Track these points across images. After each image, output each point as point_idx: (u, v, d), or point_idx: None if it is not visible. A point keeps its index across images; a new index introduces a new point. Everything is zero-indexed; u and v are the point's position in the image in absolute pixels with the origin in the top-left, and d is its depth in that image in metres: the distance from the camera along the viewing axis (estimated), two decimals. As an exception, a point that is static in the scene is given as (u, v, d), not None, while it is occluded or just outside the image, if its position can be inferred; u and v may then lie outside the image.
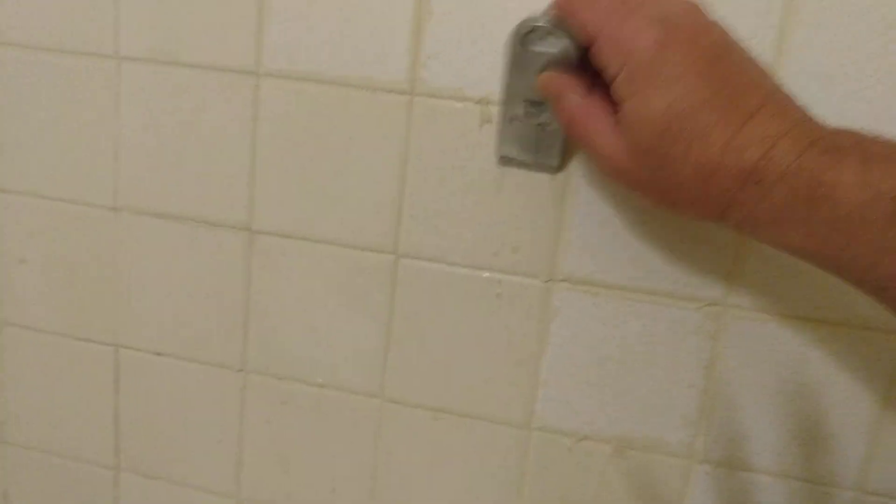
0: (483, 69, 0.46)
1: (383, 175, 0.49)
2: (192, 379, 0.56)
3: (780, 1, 0.41)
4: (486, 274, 0.49)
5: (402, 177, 0.49)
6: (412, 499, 0.54)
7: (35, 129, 0.55)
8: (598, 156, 0.38)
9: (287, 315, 0.53)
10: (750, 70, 0.35)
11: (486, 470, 0.53)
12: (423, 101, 0.47)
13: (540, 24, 0.41)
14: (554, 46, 0.40)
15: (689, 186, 0.35)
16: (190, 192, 0.53)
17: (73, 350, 0.59)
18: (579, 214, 0.47)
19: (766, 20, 0.42)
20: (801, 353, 0.46)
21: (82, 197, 0.55)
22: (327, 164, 0.50)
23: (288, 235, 0.52)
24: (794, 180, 0.31)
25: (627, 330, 0.48)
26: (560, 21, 0.40)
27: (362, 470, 0.55)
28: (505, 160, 0.47)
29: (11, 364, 0.61)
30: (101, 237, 0.55)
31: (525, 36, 0.42)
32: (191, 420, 0.57)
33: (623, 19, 0.35)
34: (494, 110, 0.46)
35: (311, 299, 0.52)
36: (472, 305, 0.50)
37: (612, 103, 0.37)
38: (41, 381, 0.60)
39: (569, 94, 0.39)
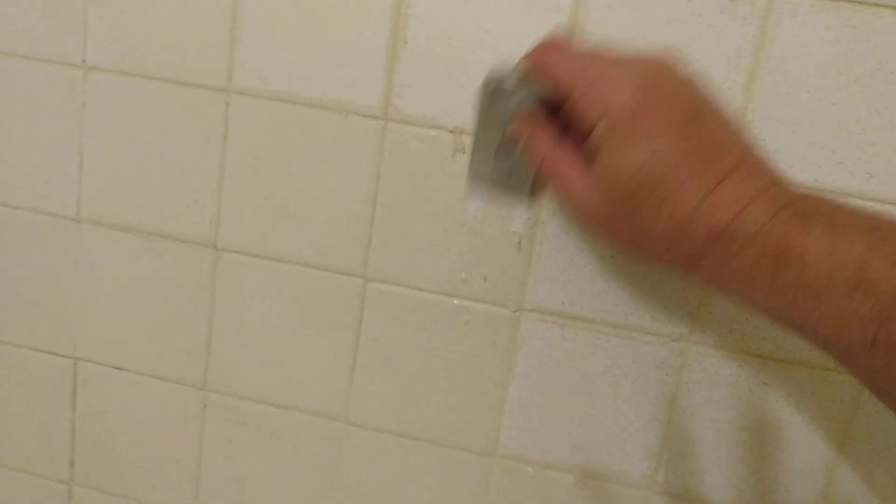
0: (457, 99, 0.47)
1: (354, 198, 0.50)
2: (152, 395, 0.56)
3: (750, 47, 0.43)
4: (455, 301, 0.50)
5: (373, 201, 0.50)
6: (373, 522, 0.55)
7: (-4, 135, 0.54)
8: (570, 201, 0.39)
9: (251, 334, 0.53)
10: (725, 129, 0.36)
11: (448, 496, 0.53)
12: (397, 127, 0.48)
13: (508, 81, 0.42)
14: (524, 97, 0.42)
15: (659, 240, 0.36)
16: (155, 206, 0.53)
17: (31, 361, 0.58)
18: (549, 246, 0.48)
19: (736, 65, 0.43)
20: (761, 391, 0.47)
21: (44, 206, 0.55)
22: (298, 184, 0.50)
23: (255, 254, 0.52)
24: (762, 243, 0.33)
25: (593, 362, 0.49)
26: (532, 74, 0.41)
27: (322, 493, 0.55)
28: (474, 191, 0.48)
29: (-36, 373, 0.60)
30: (62, 248, 0.55)
31: (494, 88, 0.43)
32: (149, 437, 0.57)
33: (599, 74, 0.36)
34: (467, 140, 0.47)
35: (277, 319, 0.53)
36: (440, 332, 0.51)
37: (583, 152, 0.38)
38: (-5, 391, 0.60)
39: (541, 141, 0.40)
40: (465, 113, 0.47)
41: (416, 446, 0.53)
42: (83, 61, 0.51)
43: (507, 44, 0.45)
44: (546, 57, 0.40)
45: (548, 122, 0.41)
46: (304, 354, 0.53)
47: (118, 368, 0.57)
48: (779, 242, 0.32)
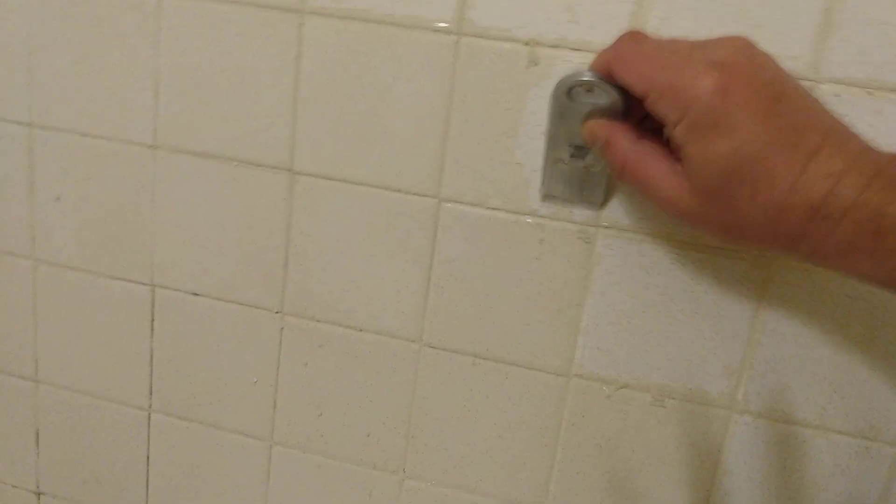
0: (531, 10, 0.49)
1: (427, 117, 0.53)
2: (229, 320, 0.61)
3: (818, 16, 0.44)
4: (530, 219, 0.53)
5: (447, 119, 0.52)
6: (447, 444, 0.59)
7: (73, 65, 0.58)
8: (658, 199, 0.41)
9: (327, 257, 0.57)
10: (807, 105, 0.38)
11: (522, 416, 0.57)
12: (470, 41, 0.51)
13: (585, 79, 0.45)
14: (599, 98, 0.44)
15: (756, 225, 0.38)
16: (230, 131, 0.56)
17: (109, 289, 0.63)
18: (627, 160, 0.50)
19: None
20: (848, 306, 0.49)
21: (120, 134, 0.59)
22: (371, 104, 0.53)
23: (329, 177, 0.56)
24: (859, 214, 0.35)
25: (671, 278, 0.51)
26: (608, 75, 0.43)
27: (399, 415, 0.60)
28: (548, 198, 0.51)
29: (45, 303, 0.66)
30: (138, 175, 0.60)
31: (570, 89, 0.46)
32: (226, 361, 0.62)
33: (678, 69, 0.38)
34: (542, 52, 0.50)
35: (352, 242, 0.56)
36: (514, 251, 0.54)
37: (665, 148, 0.40)
38: (75, 320, 0.65)
39: (620, 140, 0.43)
40: (538, 24, 0.49)
41: (490, 367, 0.57)
42: (158, -14, 0.55)
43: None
44: (621, 55, 0.42)
45: (625, 122, 0.43)
46: (379, 277, 0.57)
47: (195, 294, 0.61)
48: (875, 212, 0.34)
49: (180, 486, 0.67)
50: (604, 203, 0.51)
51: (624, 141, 0.43)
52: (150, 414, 0.66)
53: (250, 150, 0.56)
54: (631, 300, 0.53)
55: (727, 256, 0.50)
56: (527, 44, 0.50)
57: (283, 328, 0.60)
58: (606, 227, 0.52)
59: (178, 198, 0.59)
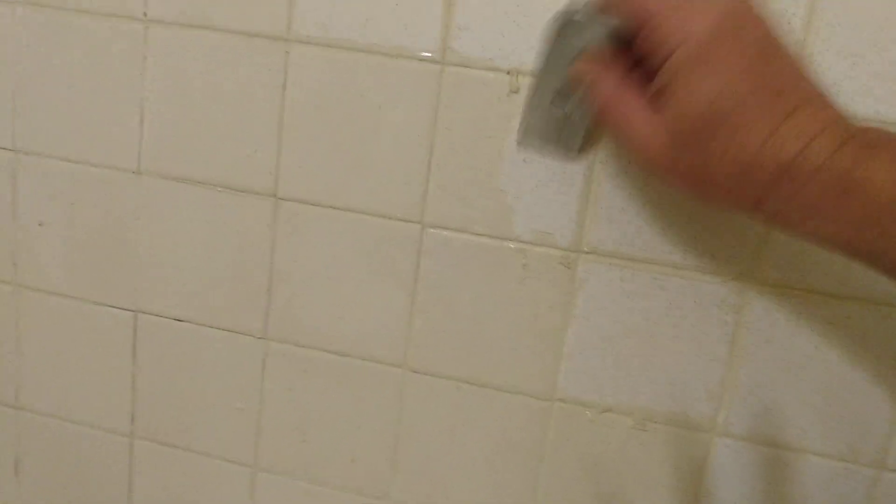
0: (514, 41, 0.50)
1: (412, 144, 0.54)
2: (213, 345, 0.61)
3: (813, -22, 0.46)
4: (513, 245, 0.54)
5: (431, 146, 0.53)
6: (433, 469, 0.59)
7: (58, 90, 0.59)
8: (632, 142, 0.42)
9: (311, 283, 0.58)
10: (793, 67, 0.39)
11: (506, 440, 0.58)
12: (454, 70, 0.52)
13: (578, 18, 0.45)
14: (591, 36, 0.45)
15: (724, 178, 0.39)
16: (215, 157, 0.57)
17: (92, 315, 0.64)
18: (607, 186, 0.51)
19: (798, -2, 0.46)
20: (825, 329, 0.51)
21: (105, 160, 0.60)
22: (356, 131, 0.54)
23: (314, 203, 0.56)
24: (827, 176, 0.36)
25: (653, 302, 0.53)
26: (606, 5, 0.44)
27: (383, 440, 0.60)
28: (524, 144, 0.52)
29: (28, 328, 0.66)
30: (123, 201, 0.60)
31: (562, 26, 0.46)
32: (210, 387, 0.62)
33: (677, 4, 0.39)
34: (524, 80, 0.51)
35: (336, 267, 0.57)
36: (498, 276, 0.55)
37: (647, 99, 0.41)
38: (58, 345, 0.65)
39: (605, 81, 0.44)
40: (521, 54, 0.50)
41: (475, 391, 0.57)
42: (144, 14, 0.56)
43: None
44: None
45: (615, 61, 0.44)
46: (364, 302, 0.57)
47: (179, 320, 0.62)
48: (844, 173, 0.35)
49: (163, 513, 0.67)
50: (579, 152, 0.51)
51: (609, 81, 0.43)
52: (132, 441, 0.66)
53: (235, 176, 0.57)
54: (613, 324, 0.53)
55: (706, 282, 0.51)
56: (508, 73, 0.51)
57: (266, 354, 0.60)
58: (587, 253, 0.53)
59: (163, 223, 0.60)
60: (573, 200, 0.52)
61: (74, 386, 0.66)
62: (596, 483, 0.56)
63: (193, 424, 0.64)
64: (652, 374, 0.54)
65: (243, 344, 0.60)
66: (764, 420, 0.53)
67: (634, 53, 0.42)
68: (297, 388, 0.60)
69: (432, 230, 0.55)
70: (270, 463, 0.63)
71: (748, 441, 0.53)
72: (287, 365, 0.60)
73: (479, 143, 0.53)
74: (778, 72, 0.38)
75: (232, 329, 0.60)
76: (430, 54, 0.52)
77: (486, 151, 0.53)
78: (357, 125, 0.54)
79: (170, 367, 0.63)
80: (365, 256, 0.56)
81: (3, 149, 0.62)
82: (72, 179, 0.61)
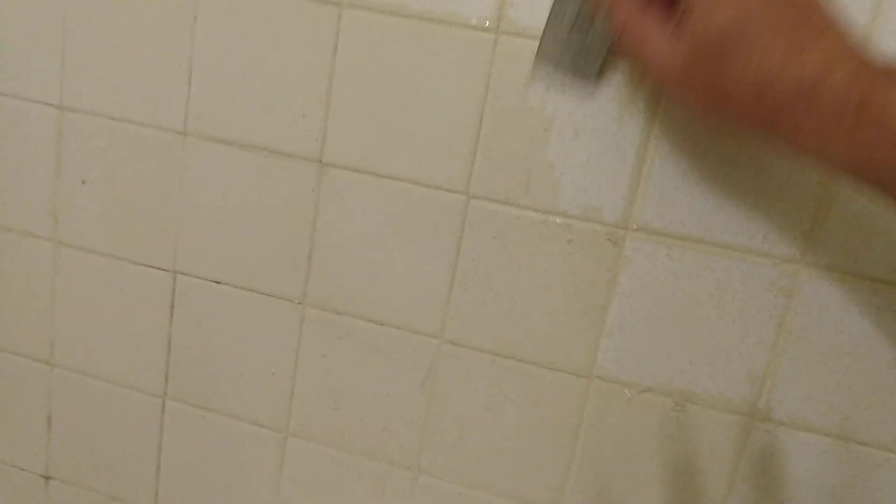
0: (572, 10, 0.50)
1: (461, 113, 0.54)
2: (250, 309, 0.62)
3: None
4: (559, 220, 0.54)
5: (480, 116, 0.53)
6: (465, 441, 0.60)
7: (106, 48, 0.59)
8: (651, 59, 0.42)
9: (352, 250, 0.58)
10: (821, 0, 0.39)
11: (541, 417, 0.58)
12: (509, 40, 0.51)
13: None
14: None
15: (744, 92, 0.39)
16: (262, 120, 0.57)
17: (130, 274, 0.64)
18: (659, 163, 0.51)
19: (868, -25, 0.45)
20: (874, 316, 0.50)
21: (150, 119, 0.60)
22: (405, 99, 0.54)
23: (359, 170, 0.56)
24: (847, 95, 0.36)
25: (699, 283, 0.52)
26: None
27: (415, 410, 0.60)
28: (542, 68, 0.51)
29: (65, 285, 0.66)
30: (166, 161, 0.60)
31: None
32: (245, 351, 0.63)
33: None
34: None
35: (378, 235, 0.57)
36: (542, 250, 0.55)
37: (668, 11, 0.41)
38: (94, 303, 0.66)
39: (625, 3, 0.44)
40: (580, 24, 0.50)
41: (511, 366, 0.57)
42: (197, -28, 0.56)
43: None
44: None
45: None
46: (404, 271, 0.57)
47: (217, 282, 0.62)
48: (862, 95, 0.35)
49: (191, 475, 0.68)
50: (597, 80, 0.51)
51: (629, 1, 0.44)
52: (164, 401, 0.66)
53: (281, 140, 0.57)
54: (657, 304, 0.53)
55: (756, 264, 0.51)
56: (565, 44, 0.51)
57: (303, 319, 0.61)
58: (636, 230, 0.52)
59: (206, 185, 0.60)
60: (624, 176, 0.52)
61: (109, 344, 0.67)
62: (631, 464, 0.56)
63: (226, 387, 0.64)
64: (694, 355, 0.54)
65: (281, 309, 0.61)
66: (806, 406, 0.53)
67: None
68: (333, 355, 0.61)
69: (477, 201, 0.55)
70: (301, 429, 0.63)
71: (788, 426, 0.53)
72: (324, 331, 0.60)
73: (530, 115, 0.52)
74: (801, 1, 0.39)
75: (270, 293, 0.61)
76: (485, 22, 0.51)
77: (535, 123, 0.52)
78: (406, 92, 0.54)
79: (206, 329, 0.63)
80: (407, 226, 0.56)
81: (49, 105, 0.62)
82: (116, 138, 0.61)
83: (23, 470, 0.73)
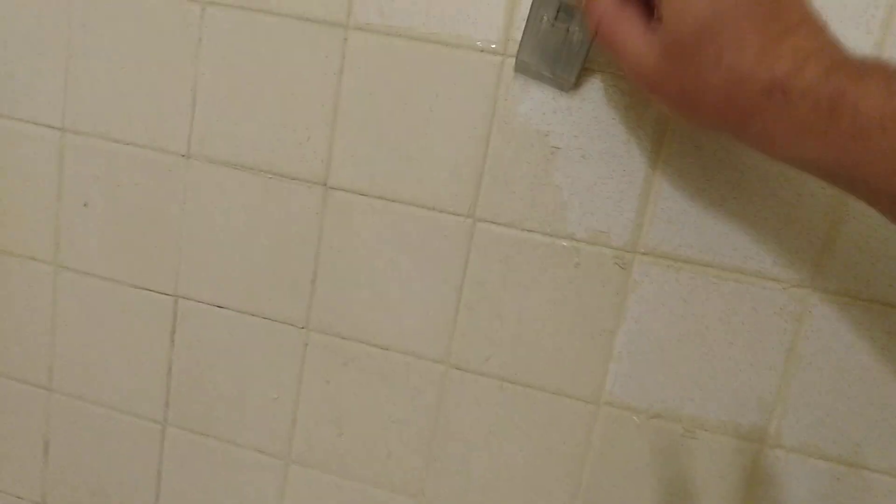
0: (580, 33, 0.50)
1: (467, 136, 0.54)
2: (253, 333, 0.61)
3: (892, -20, 0.45)
4: (566, 243, 0.54)
5: (486, 139, 0.53)
6: (470, 469, 0.59)
7: (109, 69, 0.59)
8: (626, 58, 0.42)
9: (356, 274, 0.58)
10: None
11: (549, 444, 0.57)
12: (514, 63, 0.52)
13: None
14: None
15: (715, 92, 0.39)
16: (267, 143, 0.57)
17: (131, 298, 0.64)
18: (667, 186, 0.51)
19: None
20: (885, 341, 0.50)
21: (154, 142, 0.60)
22: (410, 121, 0.54)
23: (364, 193, 0.56)
24: (819, 93, 0.36)
25: (709, 307, 0.52)
26: None
27: (420, 437, 0.60)
28: (522, 66, 0.51)
29: (65, 309, 0.66)
30: (170, 184, 0.60)
31: None
32: (247, 376, 0.62)
33: None
34: (588, 77, 0.51)
35: (383, 259, 0.57)
36: (549, 274, 0.54)
37: (645, 17, 0.42)
38: (94, 328, 0.65)
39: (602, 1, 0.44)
40: (588, 47, 0.50)
41: (518, 391, 0.57)
42: (203, -5, 0.56)
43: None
44: None
45: None
46: (409, 295, 0.57)
47: (219, 306, 0.62)
48: (834, 92, 0.35)
49: (191, 503, 0.67)
50: (575, 85, 0.51)
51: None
52: (164, 427, 0.66)
53: (285, 163, 0.57)
54: (666, 328, 0.53)
55: (765, 288, 0.51)
56: (572, 67, 0.51)
57: (307, 344, 0.60)
58: (644, 254, 0.52)
59: (209, 208, 0.60)
60: (632, 199, 0.51)
61: (109, 369, 0.66)
62: (640, 491, 0.56)
63: (227, 413, 0.64)
64: (703, 380, 0.53)
65: (284, 333, 0.60)
66: (817, 432, 0.52)
67: None
68: (336, 380, 0.60)
69: (483, 224, 0.55)
70: (304, 456, 0.62)
71: (800, 453, 0.53)
72: (327, 356, 0.60)
73: (537, 138, 0.52)
74: None
75: (273, 318, 0.60)
76: (492, 45, 0.51)
77: (543, 146, 0.52)
78: (412, 115, 0.54)
79: (207, 354, 0.63)
80: (413, 249, 0.56)
81: (51, 127, 0.62)
82: (119, 160, 0.61)
83: (18, 498, 0.72)
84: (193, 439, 0.65)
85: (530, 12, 0.50)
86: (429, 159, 0.55)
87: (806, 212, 0.49)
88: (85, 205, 0.63)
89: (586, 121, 0.51)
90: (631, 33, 0.42)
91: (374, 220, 0.57)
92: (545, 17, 0.49)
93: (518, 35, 0.51)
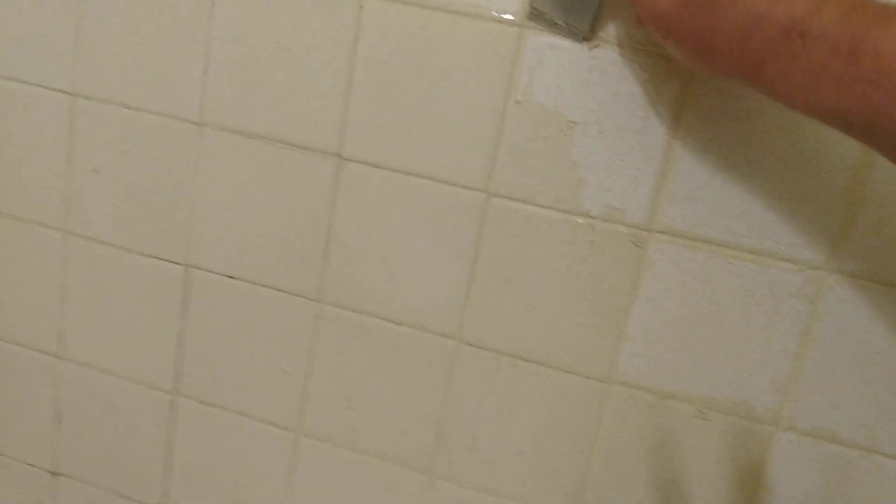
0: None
1: (483, 110, 0.53)
2: (264, 305, 0.61)
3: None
4: (581, 220, 0.53)
5: (502, 112, 0.53)
6: (479, 445, 0.59)
7: (122, 35, 0.59)
8: (641, 4, 0.42)
9: (369, 247, 0.58)
10: None
11: (559, 422, 0.57)
12: (534, 34, 0.51)
13: None
14: None
15: (730, 33, 0.38)
16: (279, 112, 0.57)
17: (142, 267, 0.64)
18: (685, 164, 0.50)
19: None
20: (904, 325, 0.50)
21: (166, 109, 0.60)
22: (426, 93, 0.54)
23: (378, 165, 0.56)
24: (836, 37, 0.35)
25: (724, 287, 0.52)
26: None
27: (431, 412, 0.60)
28: (535, 14, 0.51)
29: (75, 277, 0.66)
30: (181, 152, 0.60)
31: None
32: (258, 348, 0.62)
33: None
34: (607, 47, 0.50)
35: (396, 233, 0.57)
36: (563, 251, 0.54)
37: None
38: (104, 296, 0.66)
39: None
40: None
41: (530, 368, 0.57)
42: (217, -39, 0.55)
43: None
44: None
45: None
46: (422, 270, 0.57)
47: (231, 277, 0.62)
48: (853, 35, 0.34)
49: (201, 473, 0.67)
50: (588, 35, 0.50)
51: None
52: (175, 398, 0.66)
53: (299, 132, 0.57)
54: (680, 308, 0.53)
55: (782, 269, 0.50)
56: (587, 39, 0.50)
57: (319, 316, 0.60)
58: (660, 232, 0.52)
59: (221, 177, 0.60)
60: (649, 176, 0.51)
61: (119, 338, 0.66)
62: (650, 471, 0.56)
63: (238, 385, 0.64)
64: (717, 361, 0.53)
65: (296, 305, 0.60)
66: (830, 416, 0.52)
67: None
68: (348, 353, 0.60)
69: (497, 200, 0.54)
70: (314, 428, 0.63)
71: (812, 436, 0.53)
72: (339, 329, 0.60)
73: (554, 112, 0.52)
74: None
75: (285, 290, 0.60)
76: (510, 16, 0.51)
77: (560, 121, 0.52)
78: (428, 86, 0.54)
79: (218, 324, 0.63)
80: (426, 223, 0.56)
81: (62, 92, 0.62)
82: (130, 127, 0.61)
83: (30, 465, 0.73)
84: (204, 410, 0.66)
85: None
86: (444, 132, 0.54)
87: (824, 193, 0.49)
88: (95, 171, 0.63)
89: (605, 95, 0.51)
90: None
91: (388, 192, 0.56)
92: None
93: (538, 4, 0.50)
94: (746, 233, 0.51)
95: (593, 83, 0.51)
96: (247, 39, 0.56)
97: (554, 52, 0.51)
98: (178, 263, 0.63)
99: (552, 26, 0.50)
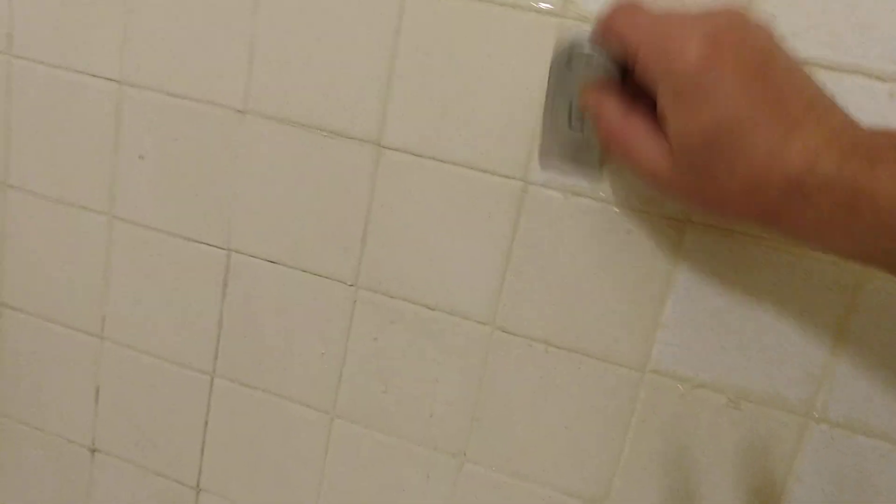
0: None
1: (522, 98, 0.55)
2: (302, 289, 0.64)
3: None
4: (618, 209, 0.55)
5: (541, 102, 0.55)
6: (512, 431, 0.61)
7: (168, 23, 0.62)
8: (638, 166, 0.44)
9: (406, 233, 0.60)
10: (794, 78, 0.39)
11: (592, 409, 0.59)
12: (573, 24, 0.53)
13: (582, 46, 0.48)
14: (597, 63, 0.47)
15: (734, 198, 0.40)
16: (321, 100, 0.59)
17: (184, 251, 0.67)
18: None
19: None
20: (940, 318, 0.51)
21: (209, 96, 0.62)
22: (466, 82, 0.56)
23: (416, 153, 0.58)
24: (835, 189, 0.36)
25: (760, 278, 0.53)
26: (602, 39, 0.46)
27: (464, 397, 0.62)
28: (546, 165, 0.55)
29: (118, 259, 0.69)
30: (225, 139, 0.63)
31: (568, 54, 0.49)
32: (296, 331, 0.65)
33: (665, 36, 0.40)
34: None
35: (434, 220, 0.59)
36: (599, 239, 0.56)
37: (653, 122, 0.42)
38: (147, 279, 0.68)
39: (608, 111, 0.45)
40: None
41: (563, 356, 0.58)
42: (263, -49, 0.58)
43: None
44: (617, 18, 0.44)
45: (618, 90, 0.45)
46: (458, 256, 0.59)
47: (271, 262, 0.64)
48: (850, 188, 0.35)
49: (236, 454, 0.70)
50: (601, 171, 0.54)
51: (612, 111, 0.45)
52: (213, 378, 0.69)
53: (340, 120, 0.59)
54: (715, 298, 0.54)
55: (819, 261, 0.51)
56: (631, 31, 0.52)
57: (355, 301, 0.62)
58: (696, 222, 0.53)
59: (262, 163, 0.62)
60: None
61: (160, 320, 0.69)
62: (681, 460, 0.57)
63: (276, 367, 0.66)
64: (751, 352, 0.54)
65: (333, 290, 0.63)
66: (865, 408, 0.53)
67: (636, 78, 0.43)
68: (383, 338, 0.62)
69: (534, 188, 0.56)
70: (348, 411, 0.65)
71: (846, 429, 0.54)
72: (375, 314, 0.62)
73: (591, 102, 0.53)
74: (777, 84, 0.39)
75: (323, 274, 0.63)
76: (549, 6, 0.53)
77: (597, 111, 0.53)
78: (468, 75, 0.56)
79: (257, 307, 0.66)
80: (464, 211, 0.58)
81: (109, 79, 0.65)
82: (175, 114, 0.63)
83: (69, 441, 0.76)
84: (241, 391, 0.68)
85: (543, 112, 0.53)
86: (482, 121, 0.56)
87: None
88: (140, 157, 0.66)
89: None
90: (641, 145, 0.43)
91: (426, 180, 0.58)
92: (559, 117, 0.52)
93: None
94: (782, 224, 0.52)
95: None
96: (291, 29, 0.59)
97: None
98: (219, 248, 0.65)
99: (564, 173, 0.54)
